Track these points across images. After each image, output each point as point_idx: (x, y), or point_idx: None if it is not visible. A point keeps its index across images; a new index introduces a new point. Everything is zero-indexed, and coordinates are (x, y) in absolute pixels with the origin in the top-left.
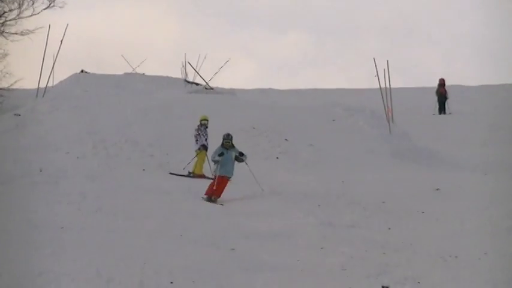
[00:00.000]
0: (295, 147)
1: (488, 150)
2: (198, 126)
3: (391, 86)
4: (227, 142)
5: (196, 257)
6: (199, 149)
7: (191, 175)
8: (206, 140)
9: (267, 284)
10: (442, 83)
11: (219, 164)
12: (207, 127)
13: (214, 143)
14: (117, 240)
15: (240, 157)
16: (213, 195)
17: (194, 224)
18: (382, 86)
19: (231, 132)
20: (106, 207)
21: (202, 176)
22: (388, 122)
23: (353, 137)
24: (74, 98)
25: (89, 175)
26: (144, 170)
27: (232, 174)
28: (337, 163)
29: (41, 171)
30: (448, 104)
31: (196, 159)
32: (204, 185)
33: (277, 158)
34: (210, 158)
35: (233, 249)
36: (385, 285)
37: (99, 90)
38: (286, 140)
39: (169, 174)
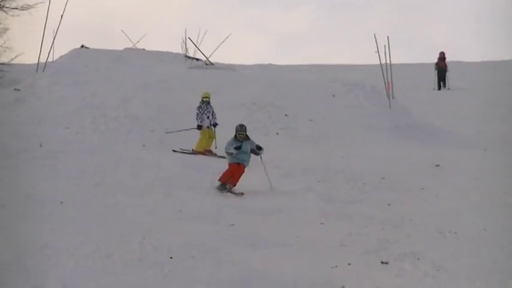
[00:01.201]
0: (295, 122)
1: (488, 126)
2: (200, 103)
3: (392, 62)
4: (241, 134)
5: (196, 233)
6: (198, 127)
7: (193, 152)
8: (209, 117)
9: (266, 259)
10: (442, 56)
11: (232, 155)
12: (209, 103)
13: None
14: (116, 216)
15: (257, 150)
16: (228, 183)
17: (193, 199)
18: (383, 62)
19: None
20: (105, 182)
21: (203, 153)
22: (388, 97)
23: (353, 112)
24: (74, 72)
25: (89, 150)
26: (144, 145)
27: (248, 164)
28: (337, 138)
29: (40, 146)
30: (448, 79)
31: (199, 136)
32: (204, 161)
33: (277, 133)
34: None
35: (232, 224)
36: (384, 261)
37: (99, 65)
38: (286, 115)
39: (169, 150)
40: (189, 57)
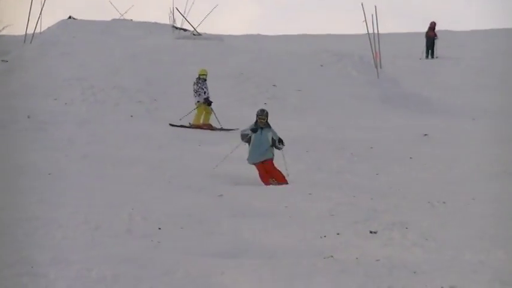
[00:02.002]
0: (283, 92)
1: (476, 96)
2: (197, 79)
3: (380, 32)
4: (262, 119)
5: (184, 203)
6: (198, 101)
7: (191, 126)
8: (205, 92)
9: (255, 229)
10: (432, 26)
11: (250, 146)
12: (205, 80)
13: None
14: (104, 187)
15: (278, 145)
16: (276, 182)
17: (182, 170)
18: (371, 31)
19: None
20: (94, 153)
21: (200, 127)
22: (376, 67)
23: (341, 82)
24: (62, 44)
25: (77, 121)
26: (132, 116)
27: (273, 154)
28: (325, 108)
29: (29, 117)
30: (437, 47)
31: (196, 111)
32: (192, 133)
33: (265, 103)
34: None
35: (221, 195)
36: (373, 230)
37: (87, 36)
38: (274, 85)
39: (157, 121)
40: (177, 28)
